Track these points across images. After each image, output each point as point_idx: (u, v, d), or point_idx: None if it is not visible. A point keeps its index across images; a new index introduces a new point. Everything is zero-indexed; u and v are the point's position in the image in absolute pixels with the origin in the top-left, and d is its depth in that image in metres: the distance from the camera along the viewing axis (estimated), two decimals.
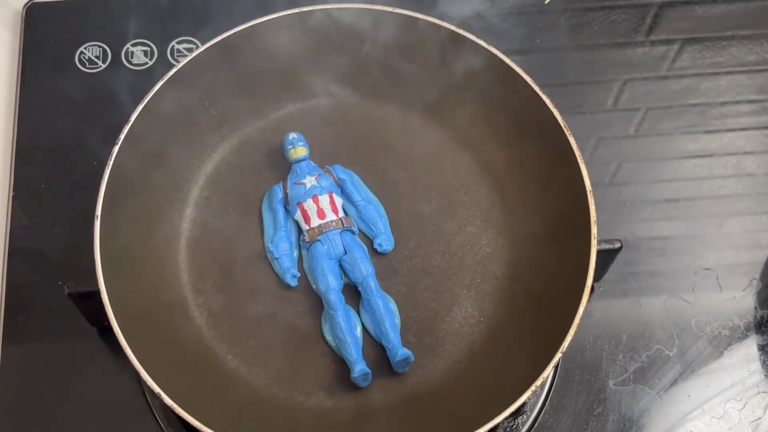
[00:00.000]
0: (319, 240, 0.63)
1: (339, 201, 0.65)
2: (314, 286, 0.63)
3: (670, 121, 0.76)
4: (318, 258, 0.63)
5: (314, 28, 0.69)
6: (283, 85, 0.70)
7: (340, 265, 0.63)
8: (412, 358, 0.60)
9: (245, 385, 0.60)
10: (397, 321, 0.62)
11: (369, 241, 0.65)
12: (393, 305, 0.62)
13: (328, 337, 0.61)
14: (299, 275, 0.64)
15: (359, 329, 0.61)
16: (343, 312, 0.61)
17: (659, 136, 0.76)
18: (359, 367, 0.59)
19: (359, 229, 0.65)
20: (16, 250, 0.69)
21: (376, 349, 0.61)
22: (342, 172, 0.66)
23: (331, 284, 0.62)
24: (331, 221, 0.63)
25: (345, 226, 0.64)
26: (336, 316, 0.60)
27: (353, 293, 0.63)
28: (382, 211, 0.66)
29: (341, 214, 0.65)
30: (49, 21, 0.80)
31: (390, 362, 0.60)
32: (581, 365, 0.66)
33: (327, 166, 0.66)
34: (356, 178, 0.67)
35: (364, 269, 0.62)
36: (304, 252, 0.64)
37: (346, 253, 0.63)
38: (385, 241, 0.65)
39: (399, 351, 0.59)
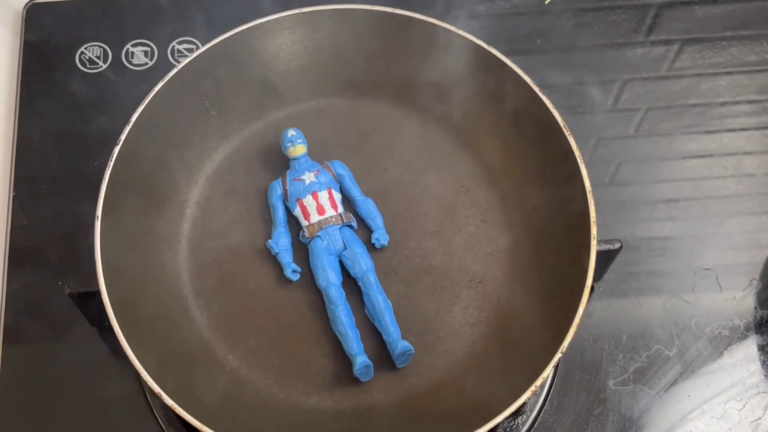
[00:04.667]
0: (319, 236, 0.63)
1: (338, 196, 0.65)
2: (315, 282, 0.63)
3: (670, 121, 0.76)
4: (318, 254, 0.63)
5: (314, 29, 0.69)
6: (283, 86, 0.70)
7: (340, 261, 0.63)
8: (413, 351, 0.60)
9: (245, 385, 0.60)
10: None
11: (365, 236, 0.65)
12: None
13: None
14: (300, 270, 0.64)
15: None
16: (343, 307, 0.61)
17: (659, 136, 0.76)
18: (360, 360, 0.59)
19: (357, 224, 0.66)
20: (16, 250, 0.69)
21: (376, 348, 0.61)
22: (341, 168, 0.67)
23: (331, 279, 0.62)
24: (331, 217, 0.64)
25: (344, 221, 0.64)
26: (337, 311, 0.61)
27: (354, 289, 0.63)
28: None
29: (340, 209, 0.65)
30: (49, 21, 0.80)
31: (391, 358, 0.60)
32: (581, 365, 0.66)
33: (326, 162, 0.67)
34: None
35: (363, 264, 0.62)
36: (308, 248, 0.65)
37: (345, 248, 0.63)
38: (383, 236, 0.65)
39: (399, 344, 0.59)
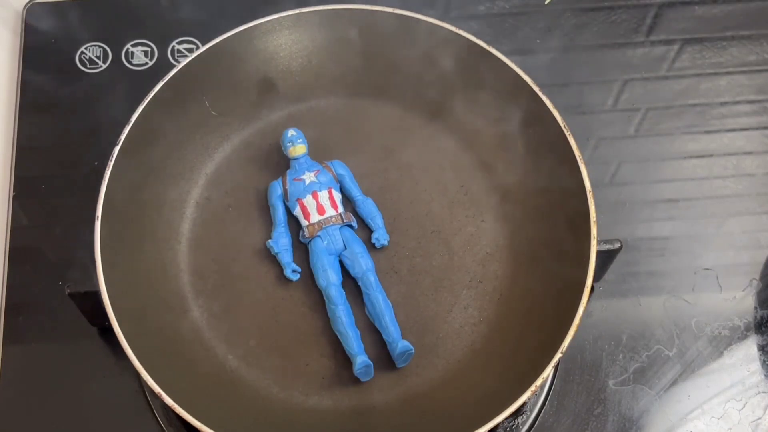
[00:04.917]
0: (319, 235, 0.63)
1: (338, 196, 0.65)
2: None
3: (670, 121, 0.76)
4: (318, 253, 0.63)
5: (314, 29, 0.69)
6: (283, 86, 0.70)
7: (340, 261, 0.63)
8: (413, 351, 0.60)
9: (245, 385, 0.60)
10: None
11: (365, 236, 0.65)
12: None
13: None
14: (300, 270, 0.64)
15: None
16: (343, 306, 0.61)
17: (659, 136, 0.76)
18: (360, 359, 0.59)
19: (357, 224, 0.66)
20: (16, 250, 0.69)
21: (376, 348, 0.61)
22: (341, 168, 0.67)
23: (331, 279, 0.62)
24: (331, 217, 0.64)
25: (344, 221, 0.64)
26: (337, 311, 0.61)
27: (354, 289, 0.63)
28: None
29: (341, 209, 0.65)
30: (49, 21, 0.80)
31: (391, 358, 0.60)
32: (581, 365, 0.66)
33: (326, 162, 0.67)
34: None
35: (363, 264, 0.62)
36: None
37: (345, 248, 0.63)
38: (383, 236, 0.65)
39: (399, 343, 0.60)
